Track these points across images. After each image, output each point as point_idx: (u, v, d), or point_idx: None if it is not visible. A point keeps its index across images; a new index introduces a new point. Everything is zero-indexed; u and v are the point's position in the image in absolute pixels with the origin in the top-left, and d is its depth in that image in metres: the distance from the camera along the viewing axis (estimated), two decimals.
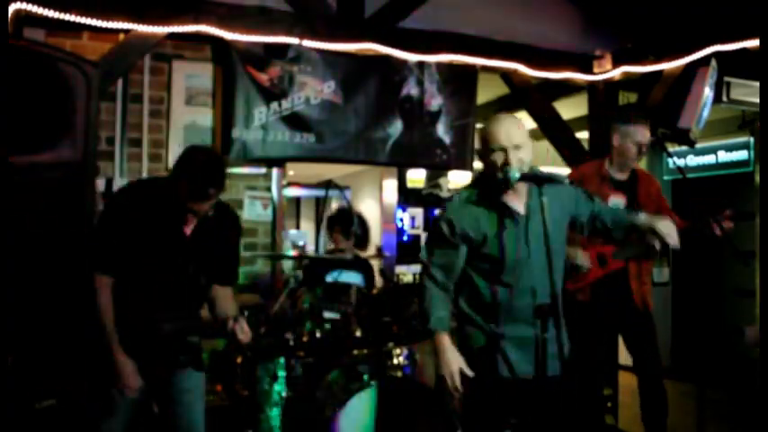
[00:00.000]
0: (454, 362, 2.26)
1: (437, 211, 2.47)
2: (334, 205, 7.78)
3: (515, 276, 2.30)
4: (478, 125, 4.83)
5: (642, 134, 3.37)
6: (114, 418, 2.32)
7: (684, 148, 5.00)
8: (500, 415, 2.34)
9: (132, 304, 2.25)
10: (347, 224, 3.88)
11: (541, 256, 2.22)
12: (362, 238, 3.97)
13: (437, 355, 2.30)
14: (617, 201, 3.43)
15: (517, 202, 2.34)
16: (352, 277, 3.68)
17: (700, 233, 3.24)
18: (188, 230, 2.40)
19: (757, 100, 4.57)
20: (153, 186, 2.42)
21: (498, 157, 2.24)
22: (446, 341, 2.30)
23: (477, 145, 2.36)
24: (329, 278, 3.63)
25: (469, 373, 2.25)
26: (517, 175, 2.19)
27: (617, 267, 3.41)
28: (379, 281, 3.94)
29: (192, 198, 2.26)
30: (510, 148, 2.23)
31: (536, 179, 2.21)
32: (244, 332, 2.43)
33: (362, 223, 4.02)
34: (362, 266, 3.86)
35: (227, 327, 2.44)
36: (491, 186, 2.32)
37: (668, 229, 2.28)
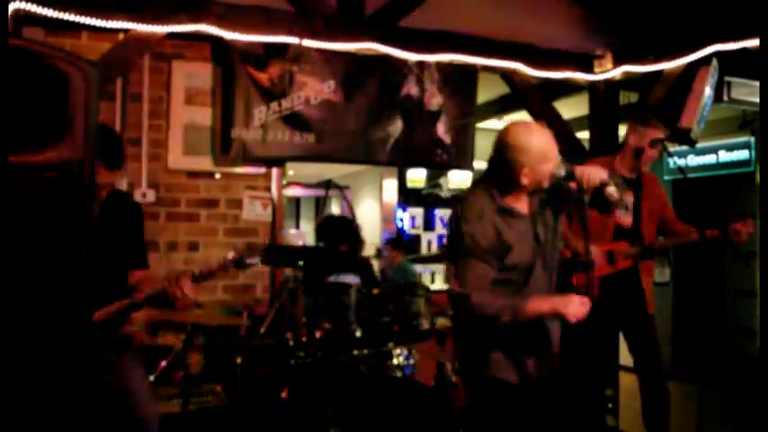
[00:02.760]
0: (564, 300, 2.17)
1: (448, 229, 2.32)
2: (334, 207, 7.80)
3: (534, 279, 2.30)
4: (478, 125, 4.83)
5: (659, 136, 3.40)
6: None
7: (685, 147, 5.00)
8: (514, 417, 2.33)
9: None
10: (334, 233, 3.85)
11: (554, 256, 2.30)
12: (355, 245, 3.93)
13: (547, 307, 2.18)
14: (627, 199, 3.45)
15: (523, 205, 2.32)
16: (349, 279, 3.67)
17: (724, 242, 3.24)
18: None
19: (757, 100, 4.57)
20: None
21: (551, 169, 2.23)
22: (534, 299, 2.21)
23: (518, 154, 2.21)
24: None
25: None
26: (563, 172, 2.23)
27: (625, 266, 3.41)
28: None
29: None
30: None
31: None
32: (187, 287, 2.36)
33: (356, 231, 3.99)
34: (359, 267, 3.84)
35: (163, 285, 2.37)
36: (526, 192, 2.29)
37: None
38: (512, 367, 2.30)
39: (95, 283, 2.36)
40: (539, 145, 2.23)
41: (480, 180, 2.39)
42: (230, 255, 2.49)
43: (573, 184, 2.22)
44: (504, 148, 2.26)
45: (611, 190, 2.23)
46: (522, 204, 2.31)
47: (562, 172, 2.21)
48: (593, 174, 2.20)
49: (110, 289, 2.42)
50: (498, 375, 2.30)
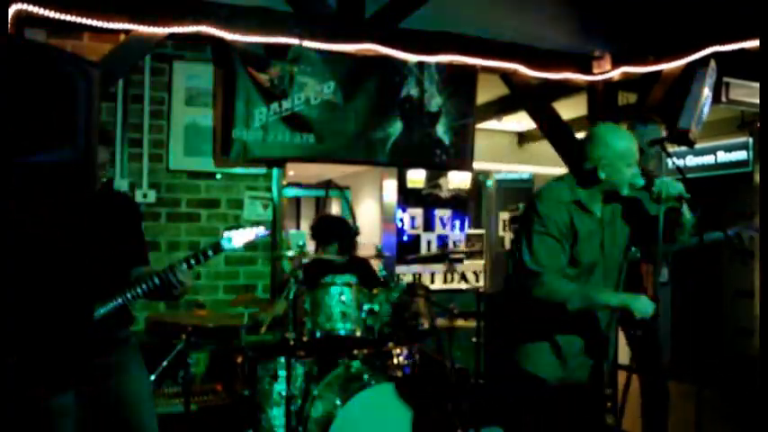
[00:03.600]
0: (633, 296, 2.23)
1: (530, 214, 2.35)
2: (334, 207, 7.80)
3: (594, 281, 2.35)
4: (478, 126, 4.84)
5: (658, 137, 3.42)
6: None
7: (684, 148, 5.01)
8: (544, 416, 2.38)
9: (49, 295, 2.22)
10: (325, 235, 3.85)
11: (615, 261, 2.38)
12: (347, 244, 3.93)
13: (617, 300, 2.24)
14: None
15: (597, 206, 2.39)
16: (346, 279, 3.67)
17: (732, 247, 3.26)
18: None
19: (756, 100, 4.58)
20: None
21: (628, 172, 2.30)
22: (607, 292, 2.29)
23: (599, 148, 2.31)
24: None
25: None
26: (642, 182, 2.31)
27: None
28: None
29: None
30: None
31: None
32: (184, 273, 2.37)
33: (348, 230, 3.99)
34: (356, 267, 3.84)
35: (159, 275, 2.37)
36: (602, 192, 2.34)
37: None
38: (553, 366, 2.35)
39: (93, 281, 2.35)
40: (620, 144, 2.30)
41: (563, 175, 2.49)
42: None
43: (652, 196, 2.28)
44: (588, 142, 2.37)
45: (685, 208, 2.30)
46: (596, 205, 2.37)
47: (641, 182, 2.29)
48: (673, 185, 2.26)
49: (107, 286, 2.41)
50: (537, 372, 2.35)
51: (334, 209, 8.13)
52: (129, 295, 2.39)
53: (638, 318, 2.19)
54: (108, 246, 2.44)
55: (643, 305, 2.19)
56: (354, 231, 3.97)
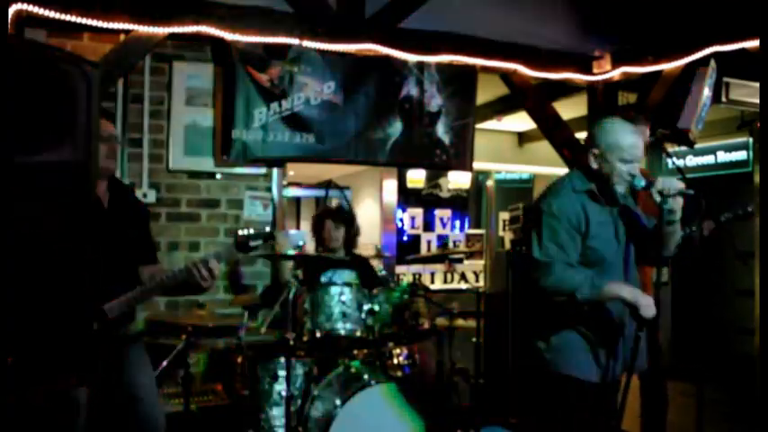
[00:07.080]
0: (643, 294, 2.24)
1: (542, 208, 2.39)
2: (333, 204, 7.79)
3: (609, 271, 2.35)
4: (478, 126, 4.84)
5: (642, 133, 3.40)
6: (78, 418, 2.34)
7: (684, 148, 5.01)
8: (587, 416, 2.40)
9: None
10: (340, 216, 3.86)
11: (630, 256, 2.40)
12: (353, 239, 3.95)
13: (627, 293, 2.24)
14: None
15: (607, 198, 2.42)
16: (347, 276, 3.66)
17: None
18: (105, 203, 2.52)
19: (756, 100, 4.58)
20: None
21: (622, 168, 2.31)
22: (618, 283, 2.29)
23: (593, 141, 2.36)
24: (323, 279, 3.61)
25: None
26: (643, 183, 2.30)
27: None
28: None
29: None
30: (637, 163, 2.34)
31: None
32: (215, 266, 2.42)
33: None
34: (357, 264, 3.84)
35: (189, 268, 2.42)
36: (603, 184, 2.38)
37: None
38: (589, 366, 2.36)
39: (106, 275, 2.40)
40: (612, 138, 2.32)
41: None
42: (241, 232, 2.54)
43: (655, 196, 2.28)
44: (589, 132, 2.43)
45: (679, 204, 2.29)
46: (608, 197, 2.39)
47: (642, 182, 2.30)
48: (674, 182, 2.26)
49: (120, 281, 2.47)
50: (572, 373, 2.36)
51: None
52: (145, 292, 2.45)
53: (642, 316, 2.20)
54: (118, 237, 2.50)
55: (649, 304, 2.21)
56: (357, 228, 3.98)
